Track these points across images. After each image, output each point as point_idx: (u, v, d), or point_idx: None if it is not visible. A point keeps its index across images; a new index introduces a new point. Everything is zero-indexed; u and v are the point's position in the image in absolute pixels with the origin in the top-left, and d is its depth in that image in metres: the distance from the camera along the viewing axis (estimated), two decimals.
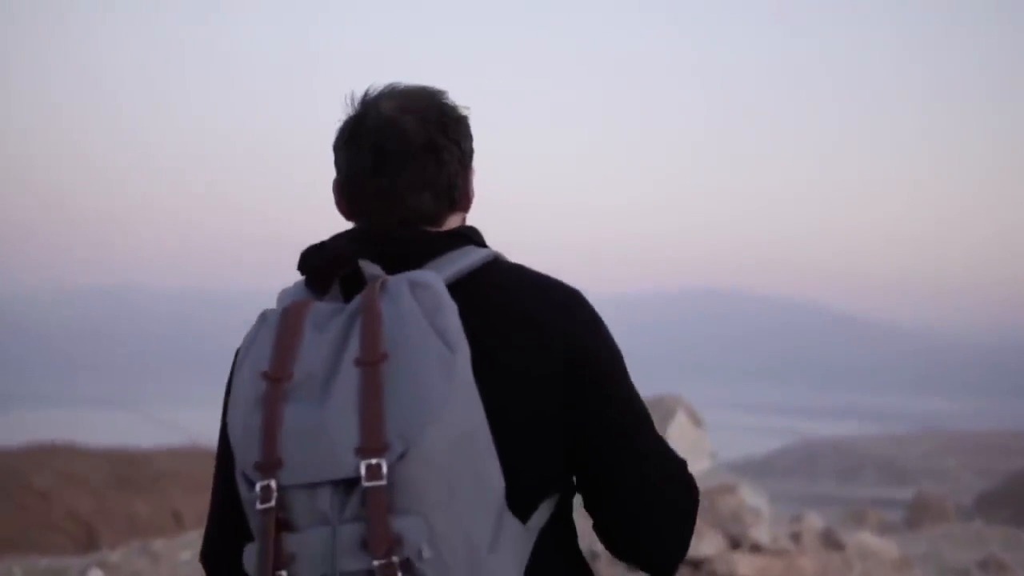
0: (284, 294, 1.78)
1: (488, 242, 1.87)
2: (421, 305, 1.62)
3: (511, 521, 1.64)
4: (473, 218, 1.93)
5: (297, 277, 1.80)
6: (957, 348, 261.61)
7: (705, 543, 7.60)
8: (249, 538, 1.67)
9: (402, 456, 1.53)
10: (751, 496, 8.15)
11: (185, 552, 6.97)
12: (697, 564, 7.61)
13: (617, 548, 1.81)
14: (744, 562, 7.73)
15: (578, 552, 1.83)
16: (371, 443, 1.54)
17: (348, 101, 1.85)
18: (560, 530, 1.78)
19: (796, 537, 8.29)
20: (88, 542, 17.37)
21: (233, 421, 1.67)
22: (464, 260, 1.75)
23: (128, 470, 27.82)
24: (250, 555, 1.62)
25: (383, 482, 1.52)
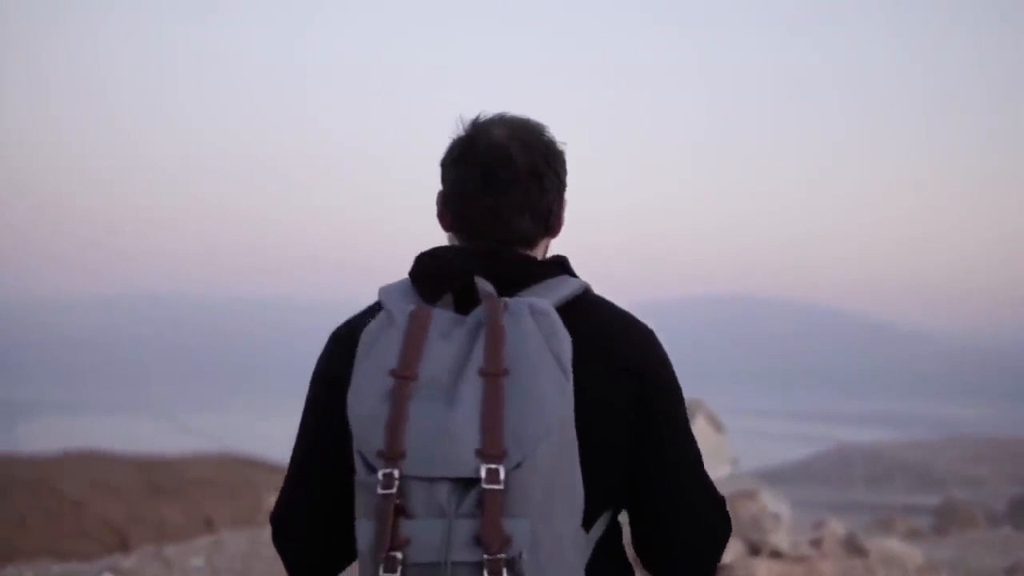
0: (388, 292, 1.95)
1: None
2: (541, 329, 1.81)
3: (579, 530, 1.83)
4: None
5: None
6: (988, 354, 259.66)
7: None
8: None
9: (518, 465, 1.71)
10: (772, 502, 8.06)
11: (197, 558, 6.99)
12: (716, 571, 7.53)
13: (650, 562, 2.03)
14: (763, 568, 7.65)
15: (625, 558, 2.04)
16: (491, 449, 1.71)
17: (458, 123, 2.03)
18: (612, 539, 2.00)
19: (817, 543, 8.20)
20: (120, 549, 17.41)
21: (357, 408, 1.79)
22: (561, 290, 1.94)
23: (159, 477, 27.85)
24: (363, 532, 1.75)
25: (500, 486, 1.69)
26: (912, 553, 8.73)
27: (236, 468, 29.73)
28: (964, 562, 9.64)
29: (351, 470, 1.81)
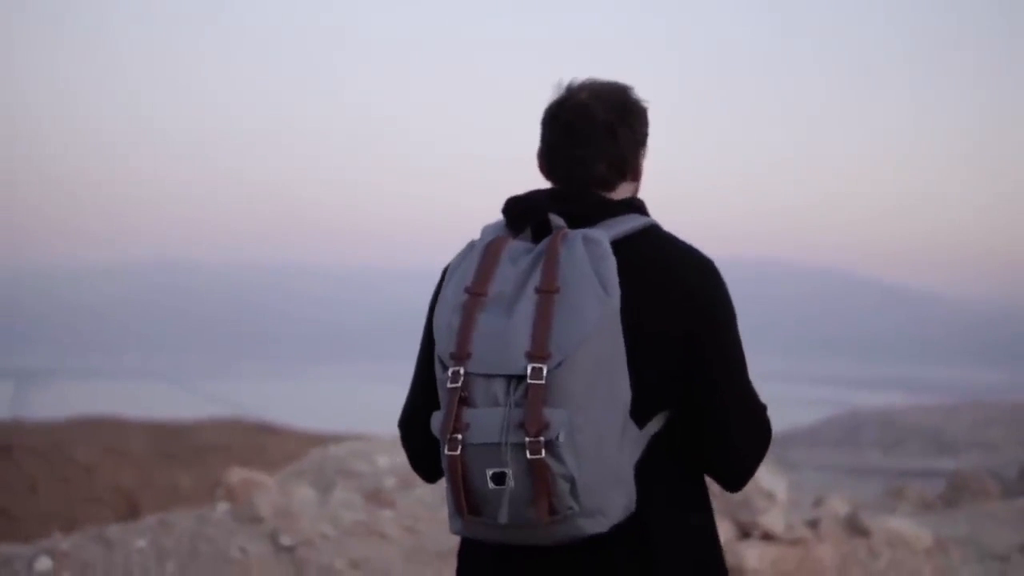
0: (486, 228, 2.34)
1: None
2: (590, 255, 2.16)
3: (631, 426, 2.19)
4: None
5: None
6: (1003, 318, 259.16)
7: None
8: (437, 408, 2.21)
9: (559, 364, 2.08)
10: (767, 478, 7.37)
11: (140, 540, 6.75)
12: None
13: (697, 459, 2.34)
14: (753, 554, 7.09)
15: (689, 461, 2.34)
16: (538, 351, 2.09)
17: (556, 87, 2.43)
18: (674, 440, 2.30)
19: (815, 524, 7.60)
20: (131, 515, 17.44)
21: (439, 319, 2.23)
22: (627, 224, 2.29)
23: (172, 442, 27.98)
24: (436, 420, 2.17)
25: (542, 382, 2.07)
26: (919, 534, 8.13)
27: (248, 433, 29.85)
28: (976, 538, 9.18)
29: None
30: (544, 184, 2.44)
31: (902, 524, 8.19)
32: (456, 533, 2.24)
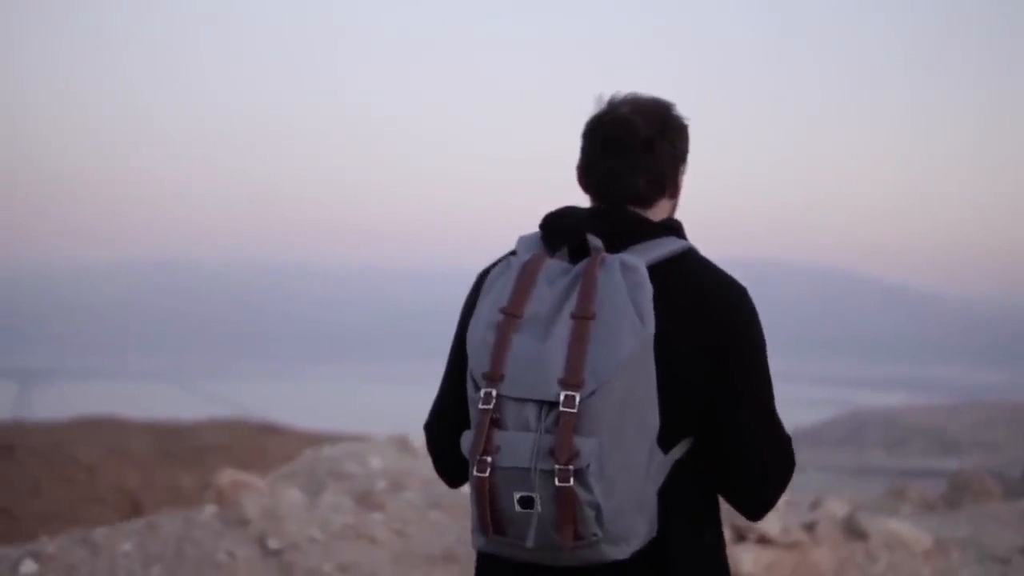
0: (522, 241, 2.34)
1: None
2: (627, 282, 2.16)
3: (657, 452, 2.20)
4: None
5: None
6: (1004, 319, 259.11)
7: None
8: (463, 420, 2.25)
9: (592, 393, 2.07)
10: None
11: (126, 543, 6.65)
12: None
13: (721, 486, 2.35)
14: (749, 557, 7.01)
15: (709, 483, 2.36)
16: (571, 379, 2.08)
17: (597, 101, 2.43)
18: (695, 464, 2.31)
19: (811, 527, 7.48)
20: (133, 515, 17.42)
21: (472, 335, 2.22)
22: (663, 248, 2.28)
23: (173, 443, 28.05)
24: (466, 440, 2.17)
25: (574, 410, 2.06)
26: (918, 536, 7.98)
27: (249, 433, 29.91)
28: (977, 540, 9.03)
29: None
30: (583, 198, 2.44)
31: (901, 526, 8.04)
32: (478, 549, 2.25)
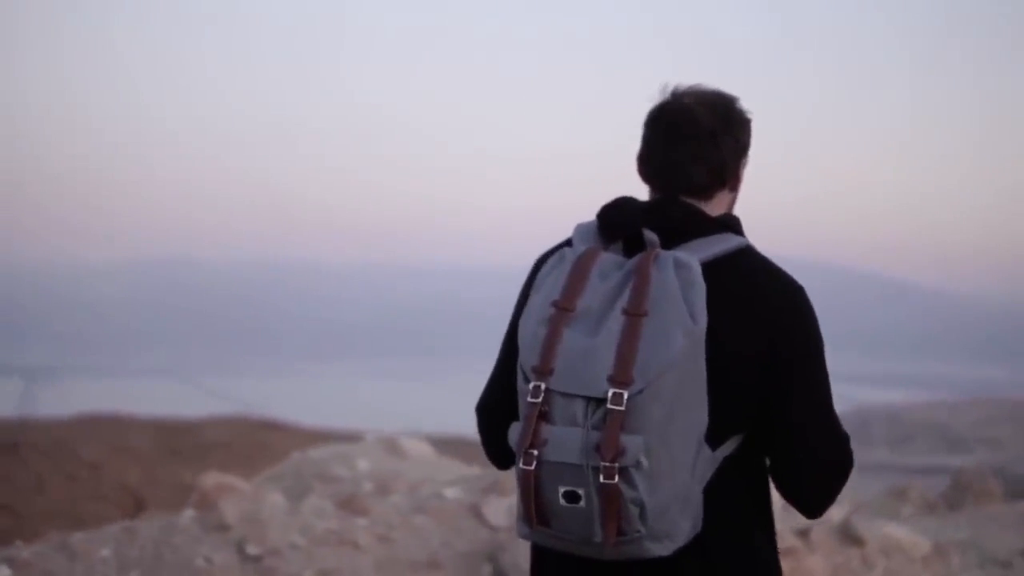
0: (580, 229, 2.34)
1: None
2: (680, 280, 2.15)
3: (705, 448, 2.19)
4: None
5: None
6: (1005, 314, 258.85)
7: None
8: (512, 410, 2.25)
9: (640, 391, 2.07)
10: None
11: (104, 548, 6.50)
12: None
13: (778, 484, 2.36)
14: None
15: (761, 474, 2.37)
16: (621, 376, 2.08)
17: (660, 91, 2.40)
18: (745, 461, 2.32)
19: (806, 533, 7.33)
20: (137, 513, 17.48)
21: (524, 328, 2.23)
22: (720, 246, 2.28)
23: (177, 440, 28.12)
24: (513, 432, 2.19)
25: (622, 408, 2.07)
26: (916, 541, 7.80)
27: (252, 430, 30.06)
28: (977, 543, 8.82)
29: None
30: (641, 188, 2.44)
31: (898, 531, 7.85)
32: (523, 538, 2.28)
